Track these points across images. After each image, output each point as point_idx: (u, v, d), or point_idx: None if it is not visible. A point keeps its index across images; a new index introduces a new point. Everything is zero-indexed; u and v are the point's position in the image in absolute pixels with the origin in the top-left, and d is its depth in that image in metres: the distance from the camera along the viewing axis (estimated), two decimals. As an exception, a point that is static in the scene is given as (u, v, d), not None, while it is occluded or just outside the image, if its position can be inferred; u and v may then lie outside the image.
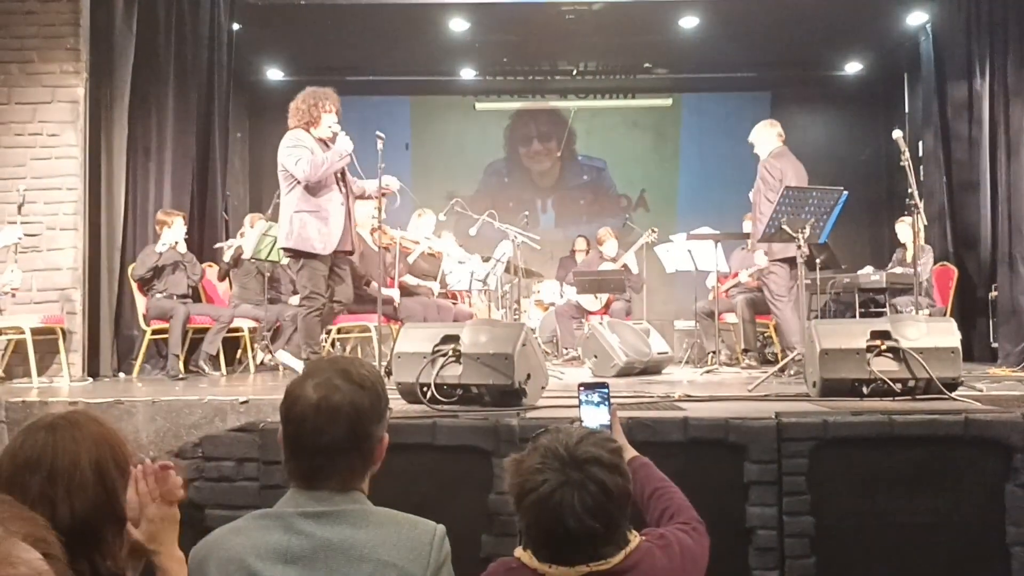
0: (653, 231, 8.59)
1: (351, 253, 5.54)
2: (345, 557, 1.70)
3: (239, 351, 7.30)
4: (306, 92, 5.40)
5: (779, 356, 6.45)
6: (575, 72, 11.43)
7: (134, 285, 6.74)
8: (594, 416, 2.49)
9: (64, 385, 6.09)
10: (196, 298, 7.11)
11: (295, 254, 5.33)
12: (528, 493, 1.75)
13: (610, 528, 1.76)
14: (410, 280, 7.16)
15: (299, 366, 5.34)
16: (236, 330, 6.96)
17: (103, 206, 6.79)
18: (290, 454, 1.81)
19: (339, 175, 5.36)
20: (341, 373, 1.81)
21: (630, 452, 2.37)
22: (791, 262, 6.13)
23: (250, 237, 6.94)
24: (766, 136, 6.48)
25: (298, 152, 5.20)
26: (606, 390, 2.53)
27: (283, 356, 5.84)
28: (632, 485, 2.00)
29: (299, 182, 5.21)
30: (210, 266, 7.45)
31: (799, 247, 5.32)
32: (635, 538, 1.83)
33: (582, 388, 2.54)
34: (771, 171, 6.26)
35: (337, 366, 1.85)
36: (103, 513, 1.66)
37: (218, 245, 7.45)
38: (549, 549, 1.77)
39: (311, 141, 5.28)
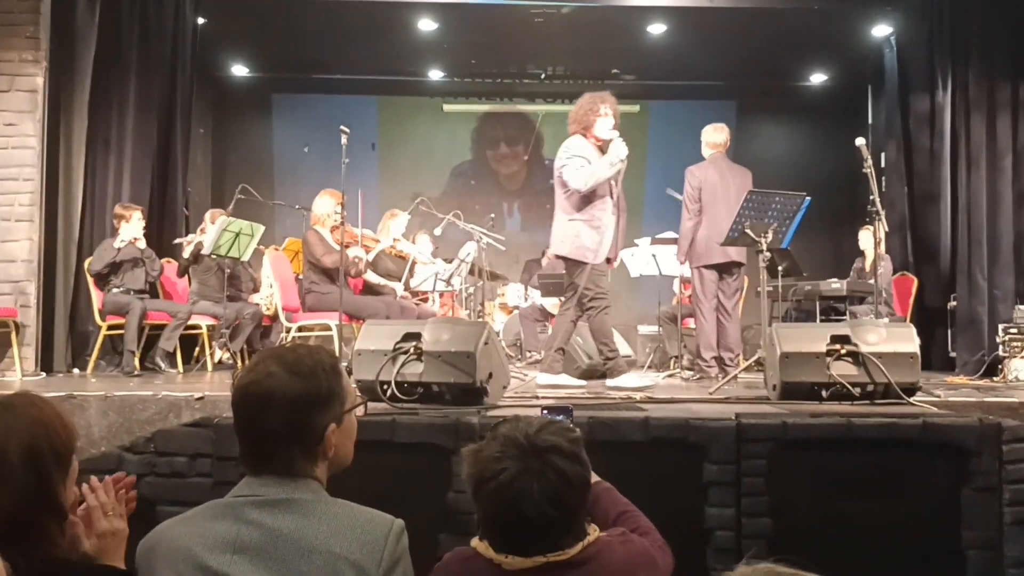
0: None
1: (609, 261, 5.47)
2: (296, 548, 1.64)
3: (197, 348, 7.19)
4: (584, 97, 5.34)
5: (693, 362, 6.47)
6: (543, 76, 11.44)
7: (90, 280, 6.59)
8: None
9: (16, 379, 5.96)
10: (154, 294, 6.98)
11: (569, 261, 5.30)
12: (486, 481, 1.71)
13: (569, 518, 1.73)
14: (372, 278, 7.14)
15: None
16: (194, 327, 6.84)
17: (60, 198, 6.66)
18: (239, 440, 1.78)
19: (613, 184, 5.27)
20: (277, 359, 1.76)
21: (592, 477, 2.34)
22: (716, 268, 6.16)
23: (210, 233, 6.83)
24: (706, 140, 6.41)
25: (574, 161, 5.17)
26: (570, 412, 2.52)
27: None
28: (596, 509, 1.98)
29: (575, 190, 5.17)
30: (169, 262, 7.33)
31: (760, 252, 5.34)
32: (594, 531, 1.80)
33: (544, 412, 2.51)
34: (689, 178, 6.25)
35: (277, 353, 1.80)
36: (35, 502, 1.60)
37: (177, 241, 7.34)
38: (506, 539, 1.73)
39: (588, 148, 5.23)
